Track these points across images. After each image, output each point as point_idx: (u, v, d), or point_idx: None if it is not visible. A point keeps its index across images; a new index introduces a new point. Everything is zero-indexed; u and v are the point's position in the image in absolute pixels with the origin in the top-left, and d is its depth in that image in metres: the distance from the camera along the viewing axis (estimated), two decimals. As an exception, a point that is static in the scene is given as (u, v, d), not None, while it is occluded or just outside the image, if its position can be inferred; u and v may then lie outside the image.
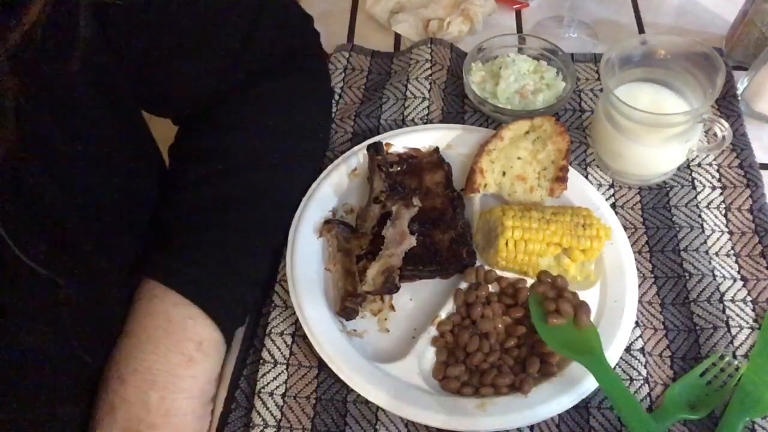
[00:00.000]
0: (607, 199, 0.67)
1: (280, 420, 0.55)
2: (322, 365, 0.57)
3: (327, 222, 0.64)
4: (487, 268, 0.61)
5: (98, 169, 0.50)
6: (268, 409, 0.55)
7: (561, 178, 0.64)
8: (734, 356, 0.57)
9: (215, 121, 0.63)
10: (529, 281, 0.60)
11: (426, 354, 0.58)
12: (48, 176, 0.45)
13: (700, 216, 0.65)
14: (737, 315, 0.59)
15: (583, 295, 0.59)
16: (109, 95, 0.51)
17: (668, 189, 0.68)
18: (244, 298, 0.58)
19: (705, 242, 0.63)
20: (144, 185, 0.58)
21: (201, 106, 0.63)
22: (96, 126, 0.50)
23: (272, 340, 0.59)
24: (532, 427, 0.54)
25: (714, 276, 0.61)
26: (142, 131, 0.60)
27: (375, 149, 0.66)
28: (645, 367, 0.56)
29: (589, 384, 0.54)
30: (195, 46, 0.58)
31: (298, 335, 0.59)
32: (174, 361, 0.52)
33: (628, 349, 0.57)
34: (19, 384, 0.45)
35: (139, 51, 0.53)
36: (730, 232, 0.65)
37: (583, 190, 0.66)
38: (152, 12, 0.53)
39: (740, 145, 0.70)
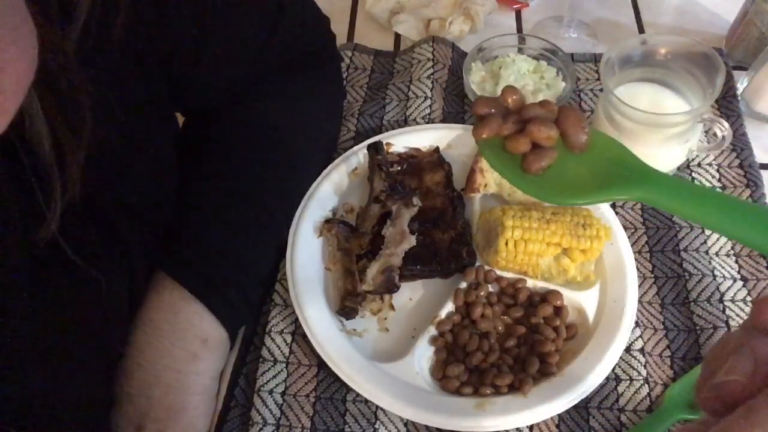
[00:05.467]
0: (607, 199, 0.67)
1: (280, 418, 0.55)
2: (321, 364, 0.57)
3: (327, 221, 0.64)
4: (487, 268, 0.61)
5: (143, 167, 0.51)
6: (267, 407, 0.55)
7: (561, 178, 0.64)
8: (734, 356, 0.57)
9: (225, 117, 0.63)
10: (529, 281, 0.60)
11: (425, 354, 0.58)
12: (96, 173, 0.45)
13: (700, 216, 0.65)
14: (737, 315, 0.59)
15: (583, 296, 0.60)
16: (151, 89, 0.51)
17: (668, 189, 0.68)
18: (250, 297, 0.58)
19: (705, 242, 0.63)
20: (174, 181, 0.58)
21: (213, 101, 0.63)
22: (143, 123, 0.51)
23: (272, 338, 0.59)
24: (531, 427, 0.54)
25: (714, 276, 0.61)
26: (176, 128, 0.60)
27: (375, 149, 0.66)
28: (645, 367, 0.56)
29: (589, 384, 0.54)
30: (216, 47, 0.57)
31: (298, 334, 0.59)
32: (179, 358, 0.52)
33: (628, 349, 0.57)
34: (62, 369, 0.45)
35: (164, 49, 0.54)
36: (730, 232, 0.65)
37: (583, 189, 0.66)
38: (178, 12, 0.53)
39: (740, 145, 0.70)
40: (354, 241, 0.62)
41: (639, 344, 0.58)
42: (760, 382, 0.26)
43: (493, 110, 0.41)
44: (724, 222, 0.37)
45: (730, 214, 0.37)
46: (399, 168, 0.68)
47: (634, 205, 0.67)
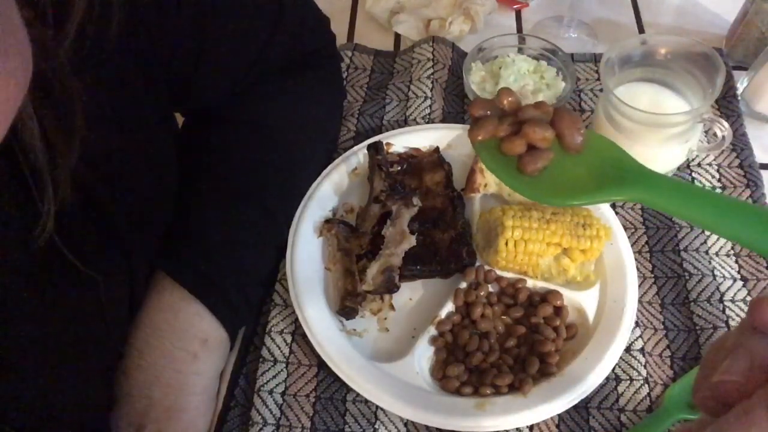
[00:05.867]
0: (607, 199, 0.67)
1: (280, 418, 0.55)
2: (321, 364, 0.57)
3: (327, 221, 0.64)
4: (487, 268, 0.61)
5: (143, 168, 0.51)
6: (267, 407, 0.55)
7: (561, 178, 0.64)
8: (734, 356, 0.57)
9: (226, 117, 0.63)
10: (529, 281, 0.60)
11: (425, 354, 0.58)
12: (97, 174, 0.45)
13: (700, 216, 0.65)
14: (737, 315, 0.59)
15: (583, 296, 0.60)
16: (151, 89, 0.51)
17: (668, 189, 0.68)
18: (250, 297, 0.58)
19: (705, 242, 0.63)
20: (174, 181, 0.58)
21: (213, 102, 0.63)
22: (142, 123, 0.51)
23: (272, 338, 0.59)
24: (531, 427, 0.54)
25: (714, 276, 0.61)
26: (176, 128, 0.60)
27: (375, 149, 0.66)
28: (645, 367, 0.56)
29: (589, 384, 0.54)
30: (216, 47, 0.57)
31: (298, 334, 0.59)
32: (178, 358, 0.52)
33: (628, 349, 0.57)
34: (62, 369, 0.45)
35: (164, 50, 0.54)
36: (730, 232, 0.65)
37: (583, 189, 0.66)
38: (178, 13, 0.53)
39: (740, 145, 0.70)
40: (354, 241, 0.62)
41: (639, 344, 0.58)
42: (756, 382, 0.26)
43: (488, 112, 0.42)
44: (721, 223, 0.37)
45: (727, 214, 0.37)
46: (399, 168, 0.68)
47: (634, 205, 0.67)
